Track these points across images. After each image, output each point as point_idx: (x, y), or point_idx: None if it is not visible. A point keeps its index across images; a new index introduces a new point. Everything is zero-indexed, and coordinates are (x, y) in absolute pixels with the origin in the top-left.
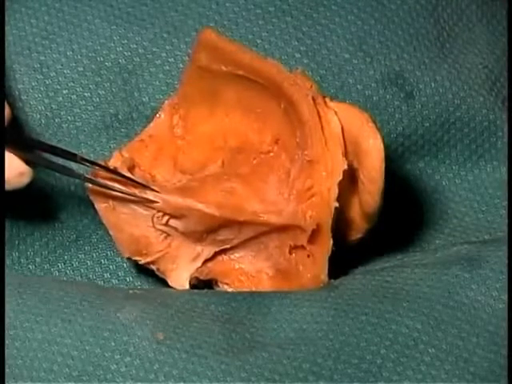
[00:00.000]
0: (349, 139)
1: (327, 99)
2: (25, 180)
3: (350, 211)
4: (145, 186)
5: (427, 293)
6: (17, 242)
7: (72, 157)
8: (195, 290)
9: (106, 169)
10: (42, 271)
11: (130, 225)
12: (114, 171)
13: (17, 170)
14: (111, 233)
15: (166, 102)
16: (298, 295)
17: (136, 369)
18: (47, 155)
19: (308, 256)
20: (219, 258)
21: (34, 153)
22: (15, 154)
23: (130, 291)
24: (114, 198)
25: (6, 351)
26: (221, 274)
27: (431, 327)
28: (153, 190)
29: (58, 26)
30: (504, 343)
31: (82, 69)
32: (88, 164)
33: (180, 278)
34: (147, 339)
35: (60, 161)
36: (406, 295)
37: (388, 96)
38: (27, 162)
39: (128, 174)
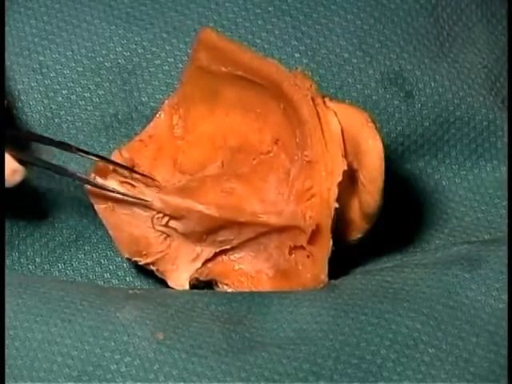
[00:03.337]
0: (348, 139)
1: (326, 99)
2: (17, 178)
3: (350, 211)
4: (145, 176)
5: (427, 293)
6: (17, 242)
7: (67, 148)
8: (195, 290)
9: (104, 159)
10: (42, 271)
11: (129, 225)
12: (115, 162)
13: (9, 168)
14: (111, 233)
15: (166, 101)
16: (298, 295)
17: (136, 369)
18: (45, 156)
19: (308, 256)
20: (219, 258)
21: (31, 153)
22: (11, 154)
23: (130, 291)
24: (114, 198)
25: (6, 351)
26: (221, 275)
27: (431, 327)
28: (153, 179)
29: (57, 26)
30: (504, 343)
31: (81, 69)
32: (83, 154)
33: (180, 279)
34: (147, 339)
35: (58, 161)
36: (406, 295)
37: (388, 95)
38: (22, 162)
39: (127, 174)
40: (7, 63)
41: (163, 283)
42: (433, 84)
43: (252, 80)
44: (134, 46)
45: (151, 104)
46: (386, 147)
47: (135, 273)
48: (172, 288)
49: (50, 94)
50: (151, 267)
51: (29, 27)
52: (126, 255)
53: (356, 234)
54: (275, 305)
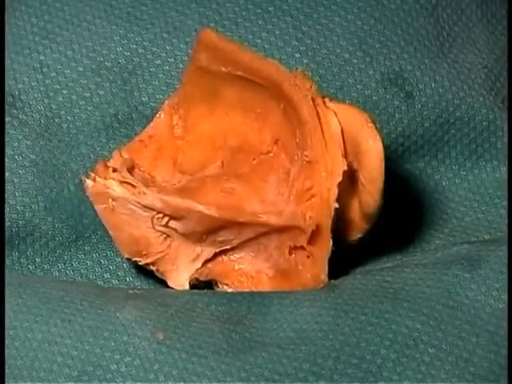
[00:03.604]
0: (348, 140)
1: (326, 99)
2: None
3: (350, 212)
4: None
5: (427, 293)
6: (17, 242)
7: None
8: (195, 290)
9: None
10: (42, 271)
11: (129, 226)
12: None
13: None
14: (111, 233)
15: (166, 101)
16: (298, 295)
17: (136, 369)
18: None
19: (308, 256)
20: (219, 258)
21: None
22: None
23: (130, 291)
24: (114, 198)
25: (6, 351)
26: (221, 275)
27: (431, 327)
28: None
29: (58, 25)
30: (504, 343)
31: (81, 69)
32: None
33: (180, 279)
34: (147, 339)
35: (58, 161)
36: (406, 295)
37: (388, 96)
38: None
39: (128, 175)
40: (7, 62)
41: (163, 283)
42: (433, 84)
43: (252, 80)
44: (135, 46)
45: (151, 104)
46: (386, 147)
47: (135, 273)
48: (172, 288)
49: (50, 94)
50: (151, 267)
51: (29, 26)
52: (126, 255)
53: (356, 234)
54: (275, 305)
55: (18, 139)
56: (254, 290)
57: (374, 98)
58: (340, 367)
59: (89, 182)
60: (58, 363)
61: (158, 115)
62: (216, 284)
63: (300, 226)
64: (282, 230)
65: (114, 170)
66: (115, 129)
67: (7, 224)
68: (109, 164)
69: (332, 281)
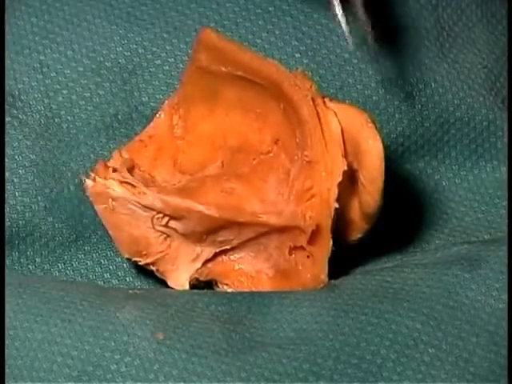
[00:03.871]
0: (348, 140)
1: (326, 99)
2: None
3: (350, 212)
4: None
5: (427, 293)
6: (17, 242)
7: None
8: (195, 290)
9: None
10: (42, 271)
11: (129, 226)
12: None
13: None
14: (111, 233)
15: (166, 101)
16: (298, 295)
17: (136, 369)
18: None
19: (308, 256)
20: (219, 258)
21: None
22: None
23: (130, 291)
24: (114, 198)
25: (6, 351)
26: (221, 275)
27: (431, 327)
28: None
29: (58, 25)
30: (504, 343)
31: (81, 69)
32: None
33: (180, 279)
34: (147, 339)
35: (58, 161)
36: (406, 295)
37: (388, 96)
38: None
39: (128, 175)
40: (7, 62)
41: (163, 283)
42: (433, 85)
43: (252, 80)
44: (135, 46)
45: (151, 104)
46: (386, 147)
47: (135, 273)
48: (172, 288)
49: (50, 94)
50: (151, 267)
51: (29, 26)
52: (126, 255)
53: (356, 234)
54: (275, 305)
55: (18, 139)
56: (254, 289)
57: (373, 98)
58: (340, 367)
59: (89, 182)
60: (58, 363)
61: (158, 115)
62: (216, 284)
63: (300, 226)
64: (282, 229)
65: (114, 170)
66: (115, 129)
67: (7, 224)
68: (109, 164)
69: (332, 281)
